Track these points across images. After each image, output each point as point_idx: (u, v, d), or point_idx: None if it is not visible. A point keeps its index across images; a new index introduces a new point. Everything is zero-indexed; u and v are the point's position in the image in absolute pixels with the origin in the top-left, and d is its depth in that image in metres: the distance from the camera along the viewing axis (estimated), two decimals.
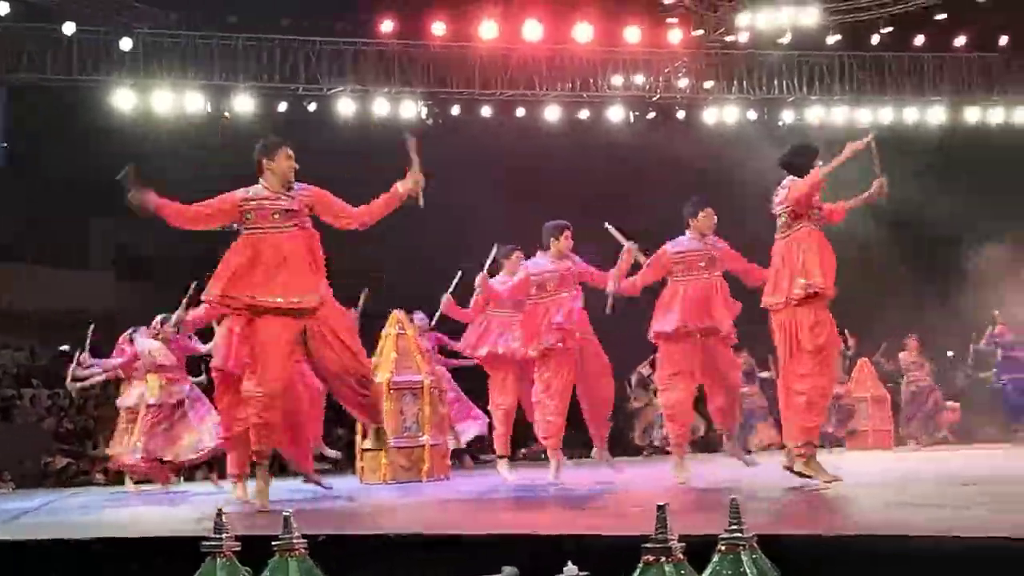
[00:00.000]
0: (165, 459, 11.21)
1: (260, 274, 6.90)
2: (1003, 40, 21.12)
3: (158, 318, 11.28)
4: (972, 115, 21.49)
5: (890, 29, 20.20)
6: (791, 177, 7.26)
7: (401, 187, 7.39)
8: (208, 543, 3.03)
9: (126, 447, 11.66)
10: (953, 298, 18.34)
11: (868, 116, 21.12)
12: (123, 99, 18.16)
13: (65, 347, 11.37)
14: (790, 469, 7.00)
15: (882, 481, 8.10)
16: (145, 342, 11.28)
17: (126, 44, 17.85)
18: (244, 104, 18.73)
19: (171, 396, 11.14)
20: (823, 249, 7.17)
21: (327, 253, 7.38)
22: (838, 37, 20.41)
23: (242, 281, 6.93)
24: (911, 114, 21.34)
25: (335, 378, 7.11)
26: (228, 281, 6.90)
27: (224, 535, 3.02)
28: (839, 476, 6.99)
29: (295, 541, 3.11)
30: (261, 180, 7.29)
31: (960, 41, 21.03)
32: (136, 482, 12.01)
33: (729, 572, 2.77)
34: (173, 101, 18.39)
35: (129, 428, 11.69)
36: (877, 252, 19.02)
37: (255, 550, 3.15)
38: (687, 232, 8.67)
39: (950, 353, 18.03)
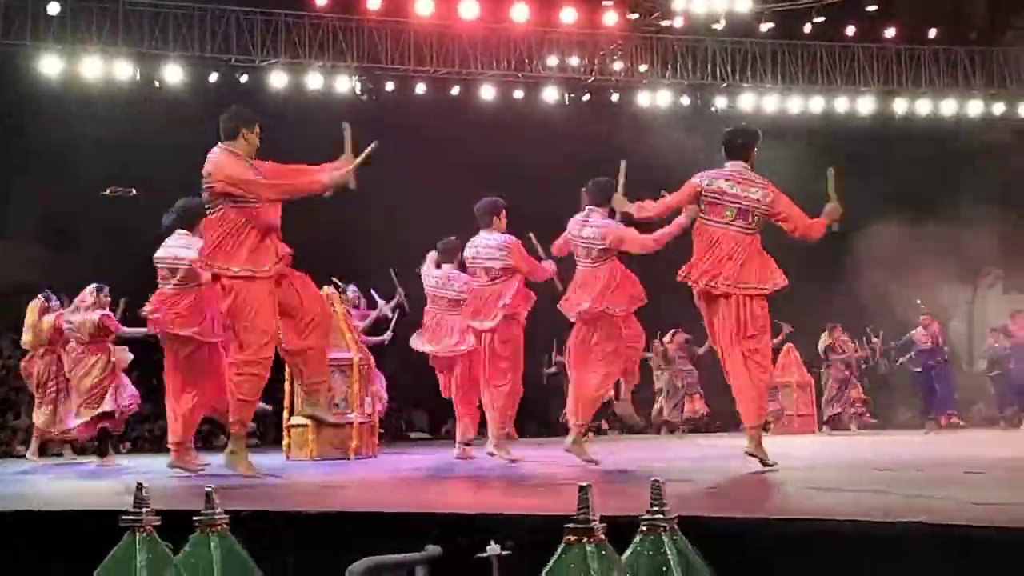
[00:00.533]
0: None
1: (232, 245, 7.11)
2: (932, 33, 21.48)
3: (92, 287, 11.22)
4: (900, 106, 21.82)
5: (822, 19, 20.44)
6: (760, 181, 7.33)
7: (327, 178, 7.27)
8: (127, 517, 3.01)
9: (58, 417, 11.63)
10: (851, 284, 18.74)
11: (799, 104, 21.39)
12: (50, 64, 17.81)
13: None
14: (751, 454, 7.10)
15: (804, 465, 8.22)
16: (83, 315, 11.19)
17: (54, 8, 17.49)
18: (174, 73, 18.45)
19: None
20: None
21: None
22: (771, 25, 20.61)
23: (223, 253, 7.08)
24: (841, 103, 21.62)
25: (307, 328, 7.16)
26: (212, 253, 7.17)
27: (144, 510, 3.00)
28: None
29: (217, 517, 3.10)
30: (229, 145, 7.18)
31: (890, 32, 21.35)
32: (77, 451, 12.05)
33: (650, 553, 2.81)
34: (102, 68, 18.07)
35: (59, 397, 11.60)
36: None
37: (176, 525, 3.13)
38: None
39: (875, 340, 18.34)
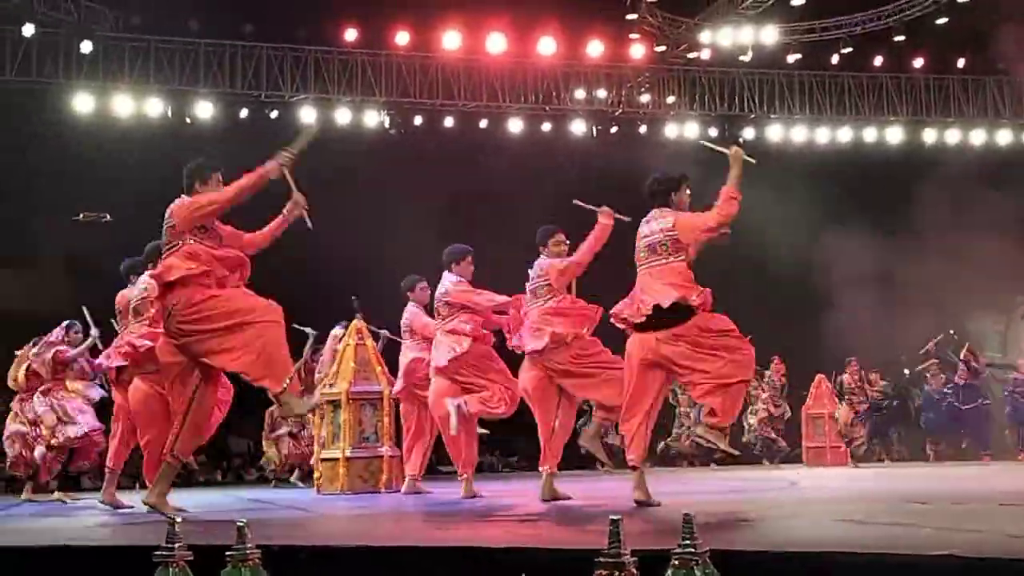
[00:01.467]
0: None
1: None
2: (960, 63, 21.45)
3: (64, 325, 11.22)
4: (929, 136, 21.77)
5: (849, 50, 20.45)
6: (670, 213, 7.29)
7: (286, 212, 7.57)
8: (160, 552, 3.02)
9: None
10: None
11: (827, 135, 21.38)
12: (83, 102, 18.05)
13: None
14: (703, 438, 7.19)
15: (836, 497, 8.16)
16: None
17: (86, 47, 17.74)
18: (205, 110, 18.67)
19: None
20: None
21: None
22: (798, 56, 20.63)
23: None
24: (870, 134, 21.60)
25: None
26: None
27: (177, 544, 3.02)
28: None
29: (249, 551, 3.11)
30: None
31: (918, 63, 21.34)
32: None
33: None
34: (133, 105, 18.30)
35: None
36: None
37: (209, 560, 3.14)
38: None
39: (906, 372, 18.22)
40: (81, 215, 8.46)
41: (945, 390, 17.40)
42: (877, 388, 17.21)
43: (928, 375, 17.66)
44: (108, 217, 8.34)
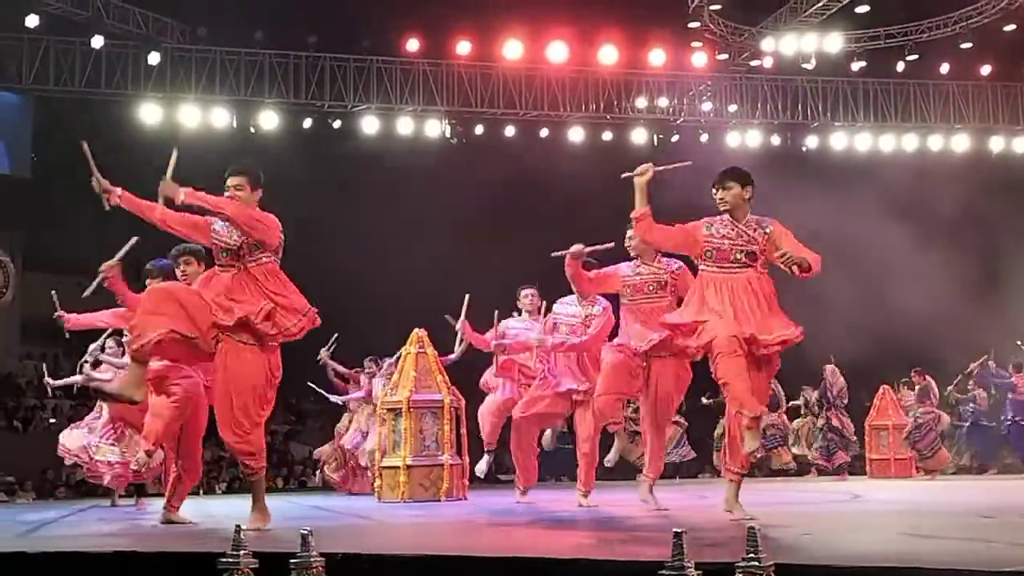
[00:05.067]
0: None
1: None
2: None
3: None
4: (996, 144, 21.46)
5: (915, 57, 20.22)
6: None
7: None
8: (225, 560, 3.05)
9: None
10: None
11: (892, 143, 21.14)
12: (150, 113, 18.32)
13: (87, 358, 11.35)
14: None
15: (902, 510, 8.05)
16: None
17: (154, 58, 18.02)
18: (269, 120, 18.88)
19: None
20: None
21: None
22: (863, 64, 20.42)
23: None
24: (935, 142, 21.32)
25: None
26: None
27: (242, 552, 3.04)
28: None
29: (313, 559, 3.13)
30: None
31: (986, 70, 21.04)
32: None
33: None
34: (200, 115, 18.55)
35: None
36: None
37: (273, 568, 3.17)
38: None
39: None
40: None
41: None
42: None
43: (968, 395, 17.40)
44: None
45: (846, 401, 16.61)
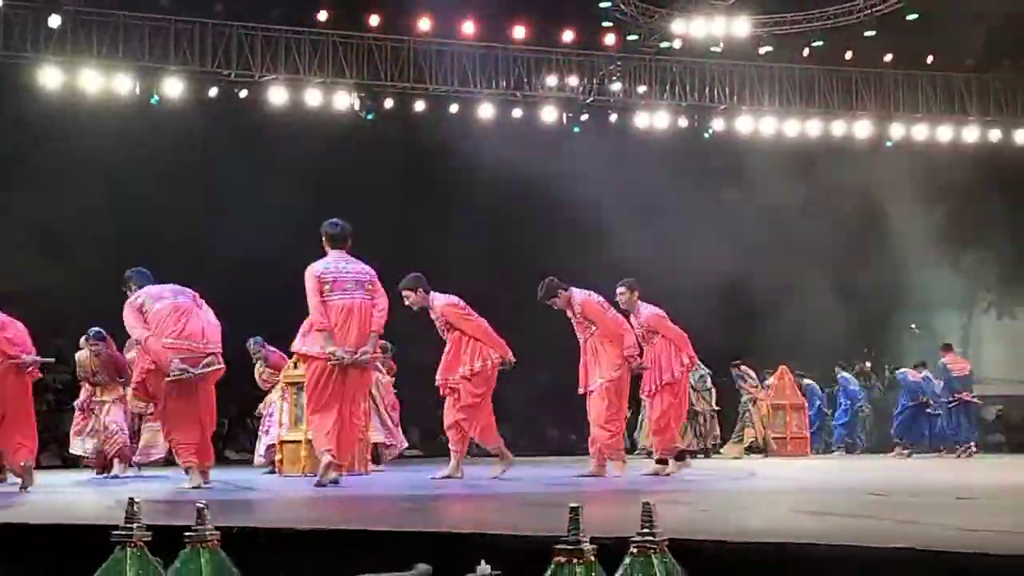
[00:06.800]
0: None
1: None
2: (929, 59, 21.57)
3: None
4: (897, 131, 21.89)
5: (820, 43, 20.54)
6: None
7: None
8: (118, 532, 2.99)
9: None
10: None
11: (796, 128, 21.46)
12: (50, 76, 17.84)
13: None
14: None
15: (796, 488, 8.21)
16: None
17: (55, 21, 17.53)
18: (174, 87, 18.48)
19: None
20: None
21: None
22: (769, 48, 20.68)
23: None
24: (838, 127, 21.68)
25: None
26: None
27: (135, 525, 2.99)
28: None
29: (208, 533, 3.09)
30: None
31: (887, 58, 21.44)
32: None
33: (640, 575, 2.80)
34: (102, 81, 18.11)
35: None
36: None
37: (167, 541, 3.12)
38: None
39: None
40: None
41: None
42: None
43: None
44: None
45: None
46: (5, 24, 17.48)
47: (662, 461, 10.33)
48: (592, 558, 2.73)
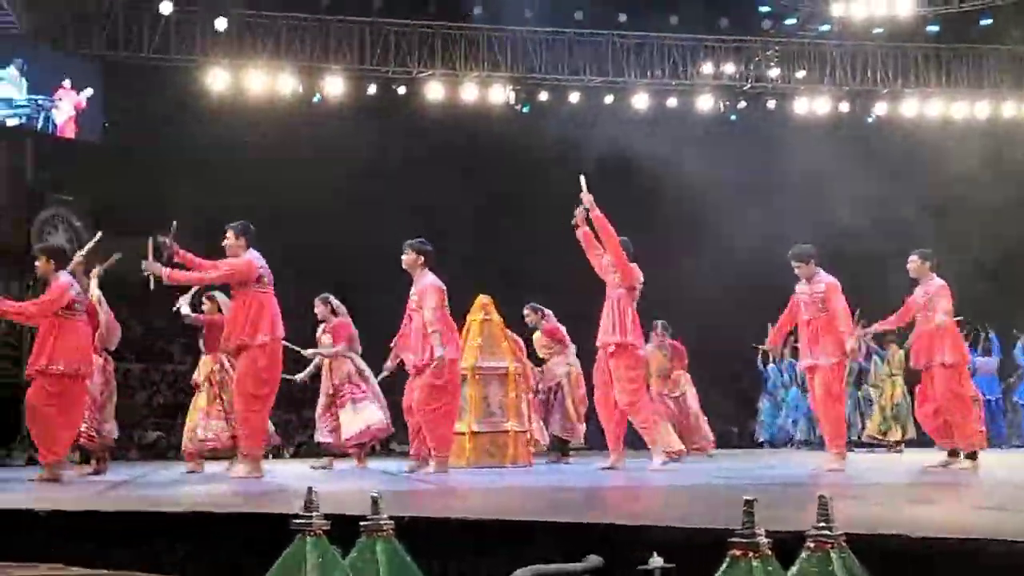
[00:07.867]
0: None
1: None
2: None
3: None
4: None
5: (989, 21, 19.80)
6: None
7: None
8: (298, 521, 3.08)
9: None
10: None
11: (964, 110, 20.73)
12: (216, 78, 18.45)
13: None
14: None
15: (969, 483, 7.94)
16: None
17: (221, 24, 18.12)
18: (335, 86, 18.92)
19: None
20: None
21: None
22: (935, 28, 20.03)
23: None
24: (1009, 108, 20.87)
25: None
26: None
27: (315, 514, 3.07)
28: None
29: (383, 522, 3.16)
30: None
31: None
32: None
33: (816, 570, 2.74)
34: (265, 81, 18.64)
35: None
36: None
37: (343, 530, 3.20)
38: None
39: None
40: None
41: None
42: None
43: None
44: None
45: None
46: (175, 28, 18.14)
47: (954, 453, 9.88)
48: (768, 552, 2.69)
